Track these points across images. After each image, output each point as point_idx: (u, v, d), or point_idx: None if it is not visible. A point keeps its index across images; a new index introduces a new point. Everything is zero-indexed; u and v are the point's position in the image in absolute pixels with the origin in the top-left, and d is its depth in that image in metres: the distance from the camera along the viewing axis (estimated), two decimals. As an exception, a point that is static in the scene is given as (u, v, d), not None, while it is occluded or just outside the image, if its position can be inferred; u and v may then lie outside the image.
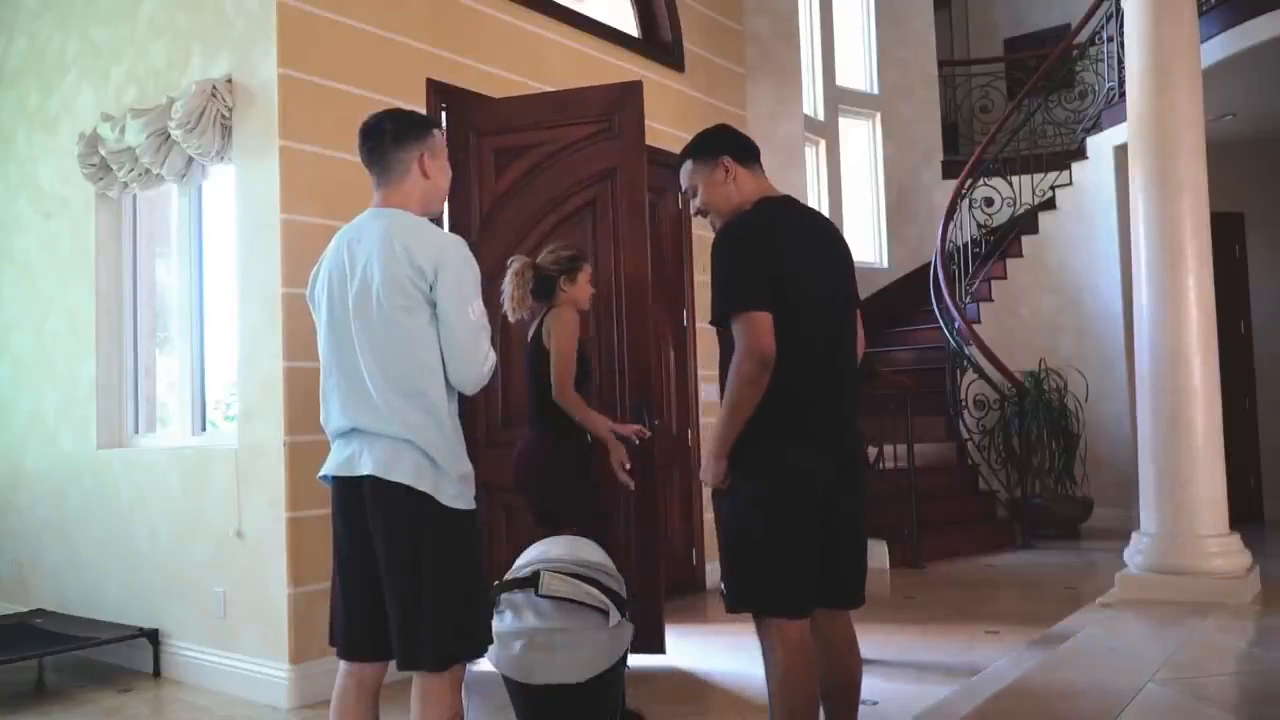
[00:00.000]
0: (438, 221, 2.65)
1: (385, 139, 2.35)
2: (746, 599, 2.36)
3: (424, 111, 4.17)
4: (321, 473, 2.36)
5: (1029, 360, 7.28)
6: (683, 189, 2.57)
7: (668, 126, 5.57)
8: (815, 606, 2.34)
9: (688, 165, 2.52)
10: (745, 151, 2.48)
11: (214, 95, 3.91)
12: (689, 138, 2.61)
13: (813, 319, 2.32)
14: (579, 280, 3.58)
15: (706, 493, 4.89)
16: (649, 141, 5.41)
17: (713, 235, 2.45)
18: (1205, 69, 5.01)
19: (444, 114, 4.34)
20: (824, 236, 2.46)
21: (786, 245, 2.33)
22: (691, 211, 2.60)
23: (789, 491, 2.29)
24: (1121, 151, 6.60)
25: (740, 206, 2.43)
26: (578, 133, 4.33)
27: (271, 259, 3.78)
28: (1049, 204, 7.70)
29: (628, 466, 3.50)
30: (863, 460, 2.55)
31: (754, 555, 2.31)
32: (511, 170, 4.34)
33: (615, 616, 2.73)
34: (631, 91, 4.31)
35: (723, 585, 2.41)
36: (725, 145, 2.48)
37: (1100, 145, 7.44)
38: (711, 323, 2.37)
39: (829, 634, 2.41)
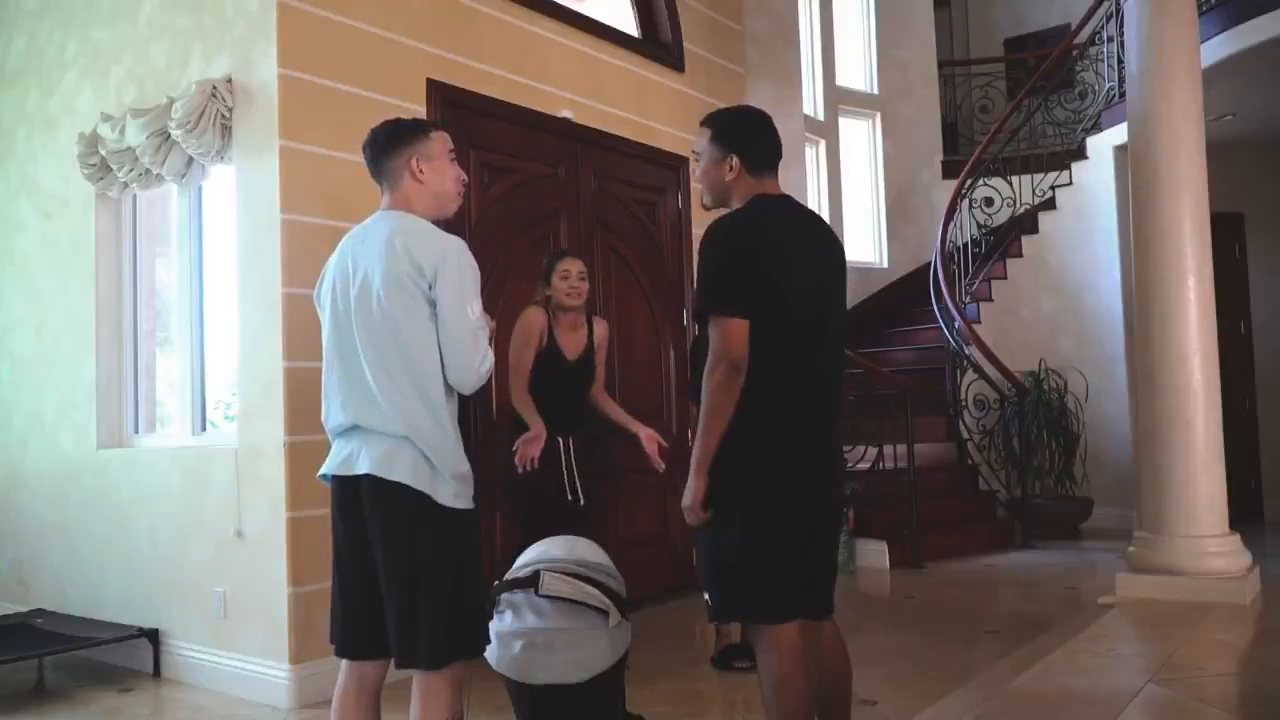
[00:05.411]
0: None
1: (377, 148, 2.41)
2: (733, 606, 2.34)
3: (425, 114, 4.18)
4: (321, 471, 2.37)
5: (1029, 360, 7.28)
6: (694, 149, 2.54)
7: (667, 127, 5.57)
8: (803, 609, 2.30)
9: (706, 133, 2.47)
10: (759, 159, 2.42)
11: (214, 95, 3.91)
12: (688, 138, 2.60)
13: (798, 320, 2.31)
14: (554, 281, 3.81)
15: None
16: (649, 142, 5.47)
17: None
18: (1205, 69, 5.01)
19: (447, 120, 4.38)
20: (818, 239, 2.44)
21: (775, 245, 2.31)
22: (691, 174, 2.58)
23: (769, 492, 2.27)
24: (1121, 151, 6.60)
25: (729, 196, 2.43)
26: (536, 170, 4.81)
27: (271, 259, 3.77)
28: (1049, 204, 7.69)
29: (530, 458, 3.57)
30: (839, 461, 2.53)
31: (736, 559, 2.28)
32: (496, 186, 4.60)
33: (615, 617, 2.73)
34: (572, 148, 4.91)
35: (706, 595, 2.38)
36: (741, 146, 2.42)
37: (1100, 145, 7.43)
38: (693, 317, 2.39)
39: (815, 638, 2.38)
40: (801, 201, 2.57)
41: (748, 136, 2.45)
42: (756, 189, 2.41)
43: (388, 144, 2.39)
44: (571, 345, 3.85)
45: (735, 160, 2.41)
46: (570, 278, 3.78)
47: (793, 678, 2.24)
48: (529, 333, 3.76)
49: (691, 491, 2.31)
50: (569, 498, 3.71)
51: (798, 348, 2.31)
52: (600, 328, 4.00)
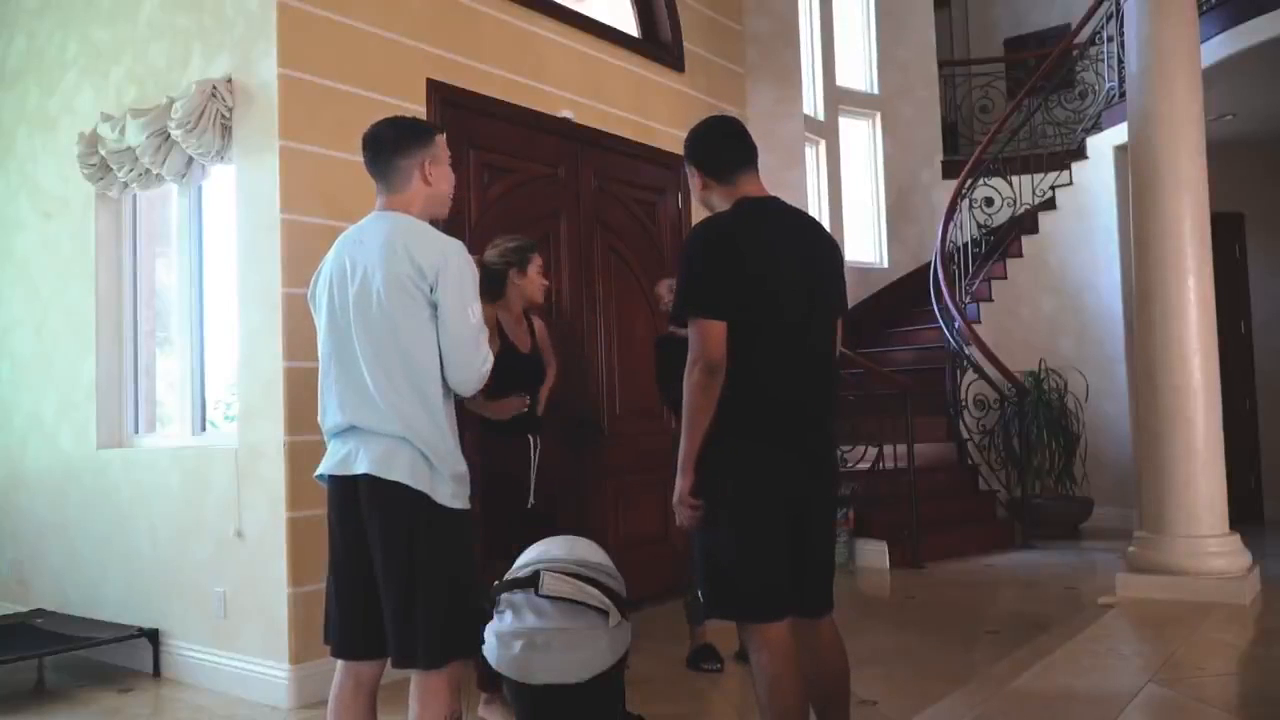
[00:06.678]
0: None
1: (387, 147, 2.37)
2: (721, 605, 2.34)
3: (425, 114, 4.18)
4: (318, 472, 2.37)
5: (1029, 360, 7.28)
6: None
7: (667, 127, 5.57)
8: (793, 608, 2.30)
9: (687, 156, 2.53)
10: (716, 162, 2.45)
11: (214, 95, 3.91)
12: (688, 138, 2.58)
13: (782, 320, 2.31)
14: (529, 272, 3.50)
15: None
16: (649, 142, 5.47)
17: None
18: (1205, 69, 5.01)
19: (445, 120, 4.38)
20: (805, 238, 2.44)
21: (759, 246, 2.31)
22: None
23: (755, 491, 2.27)
24: (1121, 151, 6.60)
25: (717, 207, 2.44)
26: (536, 170, 4.82)
27: (271, 259, 3.78)
28: (1049, 204, 7.69)
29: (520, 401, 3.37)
30: (834, 463, 2.53)
31: (724, 559, 2.28)
32: (496, 186, 4.60)
33: (615, 617, 2.73)
34: (572, 148, 4.96)
35: (699, 593, 2.39)
36: (694, 155, 2.48)
37: (1100, 145, 7.43)
38: (671, 321, 2.39)
39: (812, 638, 2.38)
40: (799, 202, 2.58)
41: (703, 148, 2.49)
42: (735, 194, 2.41)
43: (399, 143, 2.37)
44: (521, 340, 3.55)
45: (696, 172, 2.46)
46: (542, 273, 3.53)
47: (784, 677, 2.24)
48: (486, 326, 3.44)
49: (678, 489, 2.34)
50: (529, 504, 3.45)
51: (783, 347, 2.31)
52: (539, 325, 3.68)
